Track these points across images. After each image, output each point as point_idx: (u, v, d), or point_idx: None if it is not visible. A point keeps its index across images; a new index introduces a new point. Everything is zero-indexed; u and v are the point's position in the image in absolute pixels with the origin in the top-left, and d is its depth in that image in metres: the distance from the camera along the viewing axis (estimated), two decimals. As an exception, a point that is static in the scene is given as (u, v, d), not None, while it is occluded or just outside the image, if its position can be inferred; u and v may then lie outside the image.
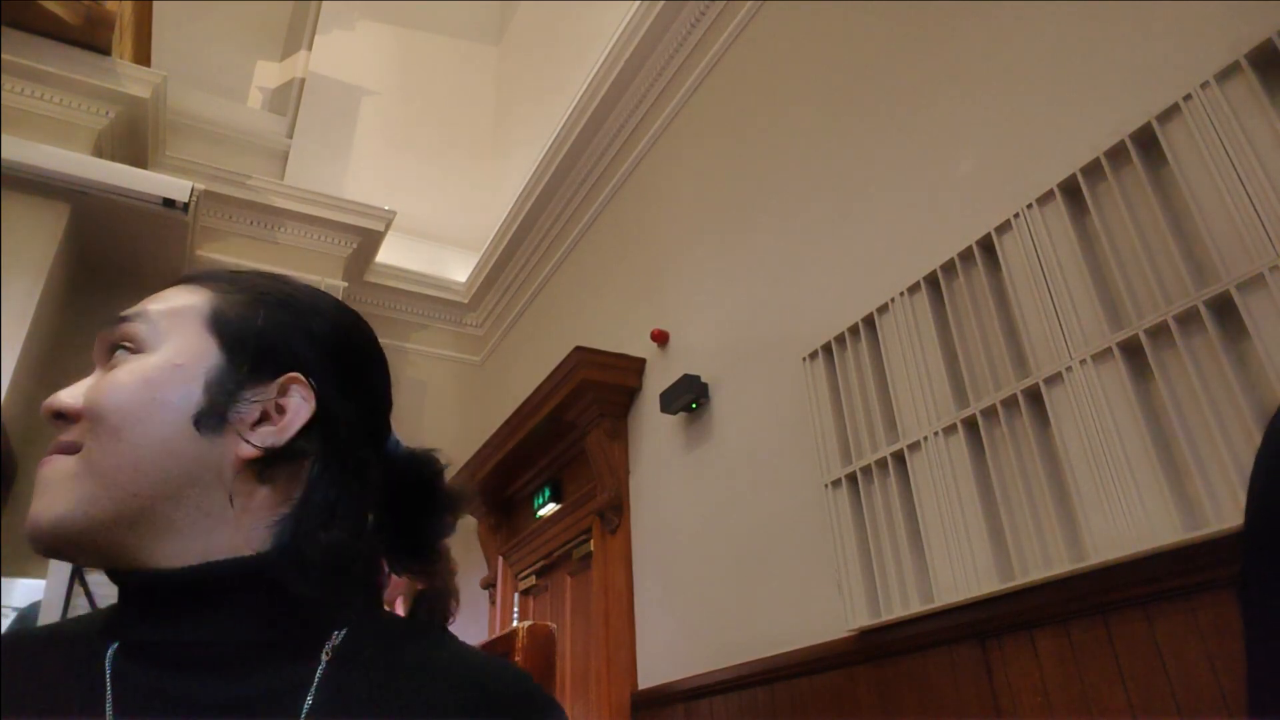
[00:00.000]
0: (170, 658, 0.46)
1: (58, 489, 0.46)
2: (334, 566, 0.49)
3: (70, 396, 0.49)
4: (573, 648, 3.29)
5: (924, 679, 1.67)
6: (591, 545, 3.27)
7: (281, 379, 0.51)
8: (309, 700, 0.45)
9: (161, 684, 0.45)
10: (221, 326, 0.51)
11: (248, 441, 0.49)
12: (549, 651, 1.16)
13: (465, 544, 4.23)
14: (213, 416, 0.48)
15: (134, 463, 0.46)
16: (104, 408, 0.47)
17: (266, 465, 0.50)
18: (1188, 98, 1.34)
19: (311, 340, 0.53)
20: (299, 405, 0.51)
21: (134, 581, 0.48)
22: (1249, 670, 0.41)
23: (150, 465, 0.47)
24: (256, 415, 0.50)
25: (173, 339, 0.50)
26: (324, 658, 0.47)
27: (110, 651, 0.46)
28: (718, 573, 2.44)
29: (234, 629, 0.47)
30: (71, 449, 0.47)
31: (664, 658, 2.62)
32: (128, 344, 0.50)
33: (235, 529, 0.48)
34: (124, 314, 0.51)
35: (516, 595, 3.97)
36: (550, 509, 3.60)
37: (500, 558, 4.09)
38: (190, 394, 0.48)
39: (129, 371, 0.49)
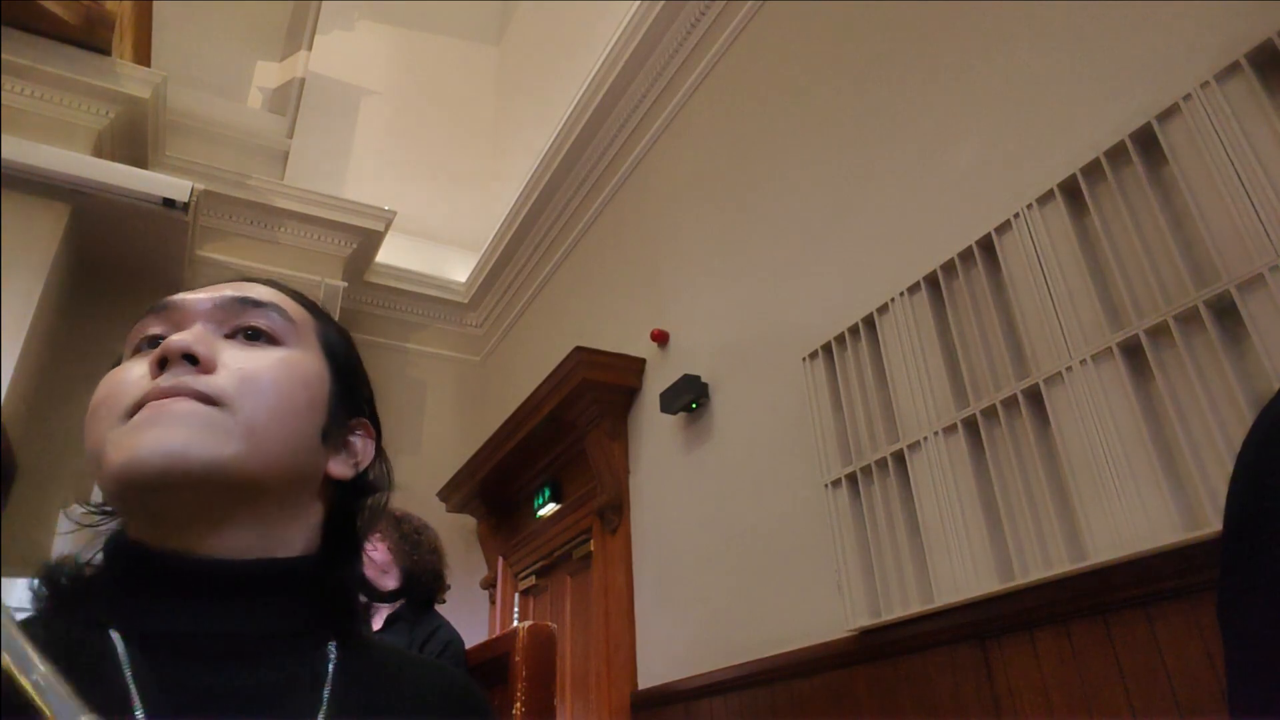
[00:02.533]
0: (190, 648, 0.45)
1: (208, 434, 0.45)
2: (358, 574, 0.56)
3: (205, 347, 0.49)
4: (573, 648, 3.29)
5: (924, 679, 1.67)
6: (591, 545, 3.27)
7: (355, 420, 0.58)
8: (327, 689, 0.48)
9: (181, 674, 0.44)
10: (332, 353, 0.57)
11: (350, 464, 0.56)
12: (549, 651, 1.16)
13: (465, 544, 4.23)
14: (332, 434, 0.54)
15: (282, 444, 0.49)
16: (267, 385, 0.49)
17: (328, 485, 0.55)
18: (1188, 98, 1.34)
19: (370, 392, 0.62)
20: (367, 444, 0.58)
21: (203, 569, 0.46)
22: (1228, 686, 0.41)
23: (292, 454, 0.50)
24: (341, 443, 0.56)
25: (305, 346, 0.55)
26: (331, 654, 0.50)
27: (119, 642, 0.45)
28: (718, 573, 2.44)
29: (264, 622, 0.47)
30: (208, 400, 0.47)
31: (664, 658, 2.62)
32: (269, 333, 0.53)
33: (288, 532, 0.51)
34: (260, 299, 0.54)
35: (516, 595, 3.97)
36: (550, 509, 3.59)
37: (500, 558, 4.09)
38: (321, 406, 0.53)
39: (287, 363, 0.52)
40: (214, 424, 0.46)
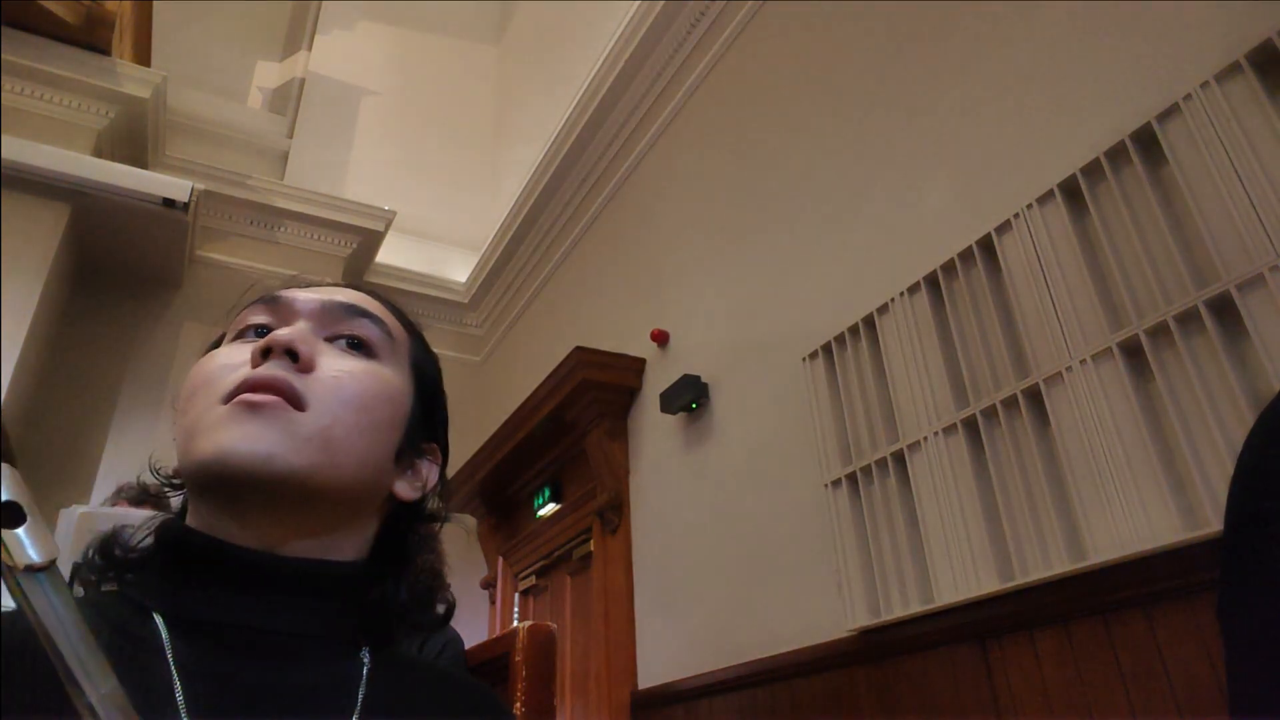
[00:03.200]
0: (231, 641, 0.46)
1: (289, 441, 0.46)
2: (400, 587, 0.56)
3: (308, 346, 0.50)
4: (573, 648, 3.29)
5: (924, 679, 1.67)
6: (591, 545, 3.27)
7: (428, 444, 0.58)
8: (362, 692, 0.49)
9: (221, 665, 0.45)
10: (419, 373, 0.58)
11: (416, 487, 0.56)
12: (549, 651, 1.16)
13: (465, 544, 4.23)
14: (404, 454, 0.55)
15: (356, 458, 0.50)
16: (354, 397, 0.50)
17: (388, 501, 0.56)
18: (1188, 98, 1.34)
19: (446, 421, 0.62)
20: (433, 469, 0.58)
21: (257, 563, 0.47)
22: (1229, 690, 0.40)
23: (365, 469, 0.51)
24: (410, 464, 0.56)
25: (396, 362, 0.56)
26: (364, 661, 0.51)
27: (162, 628, 0.45)
28: (718, 573, 2.44)
29: (306, 623, 0.48)
30: (297, 401, 0.47)
31: (664, 658, 2.62)
32: (367, 344, 0.54)
33: (342, 539, 0.52)
34: (365, 309, 0.55)
35: (516, 595, 3.97)
36: (550, 509, 3.60)
37: (500, 558, 4.09)
38: (400, 426, 0.54)
39: (377, 377, 0.53)
40: (297, 431, 0.47)
